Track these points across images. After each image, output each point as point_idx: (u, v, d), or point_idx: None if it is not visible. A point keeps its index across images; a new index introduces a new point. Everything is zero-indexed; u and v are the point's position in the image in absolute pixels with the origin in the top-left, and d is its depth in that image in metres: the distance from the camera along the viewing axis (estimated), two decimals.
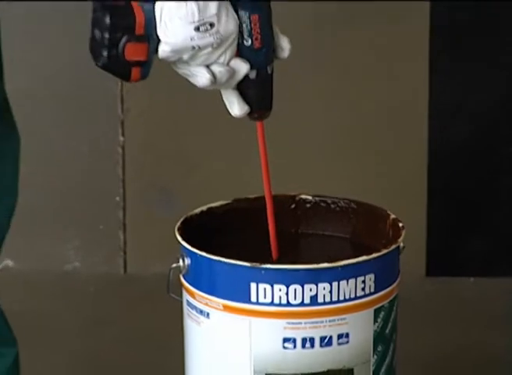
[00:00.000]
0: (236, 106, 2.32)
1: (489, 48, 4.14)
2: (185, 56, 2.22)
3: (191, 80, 2.27)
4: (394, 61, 4.06)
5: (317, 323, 2.27)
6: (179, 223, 2.39)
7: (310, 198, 2.51)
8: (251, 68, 2.28)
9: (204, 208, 2.48)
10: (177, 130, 3.23)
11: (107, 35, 2.19)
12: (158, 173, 3.53)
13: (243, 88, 2.32)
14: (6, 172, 2.57)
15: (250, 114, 2.33)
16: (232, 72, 2.26)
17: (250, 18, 2.27)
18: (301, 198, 2.52)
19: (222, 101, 2.36)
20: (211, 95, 2.45)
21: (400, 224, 2.40)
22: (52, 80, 3.39)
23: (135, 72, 2.23)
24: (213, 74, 2.24)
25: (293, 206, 2.50)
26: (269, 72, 2.32)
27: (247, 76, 2.29)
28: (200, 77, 2.25)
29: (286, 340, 2.27)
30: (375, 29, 4.08)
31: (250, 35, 2.27)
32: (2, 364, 2.61)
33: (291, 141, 3.59)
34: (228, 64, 2.26)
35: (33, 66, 3.03)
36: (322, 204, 2.51)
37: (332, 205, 2.50)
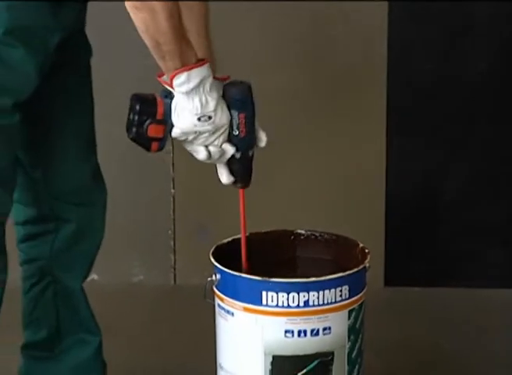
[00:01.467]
0: (224, 177, 2.39)
1: None
2: (190, 137, 2.30)
3: (194, 154, 2.36)
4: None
5: (308, 319, 2.37)
6: (212, 249, 2.47)
7: (303, 232, 2.57)
8: (237, 151, 2.35)
9: (230, 239, 2.55)
10: (211, 183, 3.29)
11: (136, 117, 2.29)
12: (198, 214, 3.46)
13: (231, 164, 2.39)
14: (97, 217, 2.62)
15: (234, 183, 2.41)
16: (223, 152, 2.34)
17: (238, 116, 2.32)
18: (298, 232, 2.58)
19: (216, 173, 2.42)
20: None
21: (366, 250, 2.47)
22: (119, 141, 3.31)
23: (154, 145, 2.32)
24: (209, 152, 2.33)
25: (291, 237, 2.56)
26: (250, 155, 2.38)
27: (233, 156, 2.37)
28: (200, 154, 2.33)
29: (286, 331, 2.35)
30: None
31: (238, 128, 2.33)
32: (89, 349, 2.62)
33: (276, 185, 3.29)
34: (220, 146, 2.33)
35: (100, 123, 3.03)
36: (312, 236, 2.58)
37: (319, 237, 2.58)
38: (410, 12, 3.53)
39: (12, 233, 2.50)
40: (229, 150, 2.33)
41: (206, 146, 2.32)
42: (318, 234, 2.57)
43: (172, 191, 3.31)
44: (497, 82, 3.55)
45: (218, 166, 2.38)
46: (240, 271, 2.43)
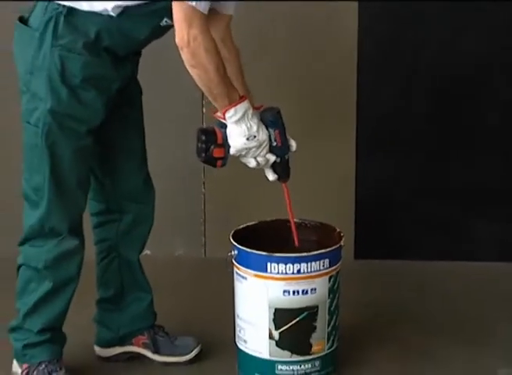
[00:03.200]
0: (270, 176, 2.39)
1: None
2: (243, 153, 2.31)
3: (247, 164, 2.34)
4: None
5: (300, 283, 2.39)
6: (232, 233, 2.48)
7: (298, 220, 2.54)
8: (277, 157, 2.35)
9: (244, 225, 2.55)
10: (231, 187, 3.09)
11: (204, 145, 2.30)
12: (222, 208, 3.26)
13: (274, 167, 2.38)
14: (148, 210, 2.56)
15: (278, 179, 2.40)
16: (267, 160, 2.34)
17: (274, 132, 2.33)
18: (295, 222, 2.53)
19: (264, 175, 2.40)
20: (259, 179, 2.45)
21: (342, 234, 2.49)
22: (167, 155, 3.03)
23: (219, 163, 2.34)
24: (257, 162, 2.33)
25: (288, 224, 2.52)
26: (286, 158, 2.39)
27: (275, 161, 2.36)
28: (251, 163, 2.33)
29: (284, 291, 2.38)
30: None
31: (275, 140, 2.33)
32: (143, 303, 2.59)
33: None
34: (265, 156, 2.33)
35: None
36: (303, 224, 2.57)
37: (308, 224, 2.59)
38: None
39: (88, 221, 2.52)
40: (272, 158, 2.34)
41: (255, 157, 2.31)
42: (307, 222, 2.58)
43: (203, 190, 3.23)
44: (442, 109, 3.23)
45: (265, 169, 2.38)
46: (252, 249, 2.41)
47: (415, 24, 3.12)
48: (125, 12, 2.23)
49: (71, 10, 2.21)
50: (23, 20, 2.29)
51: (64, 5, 2.21)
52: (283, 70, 3.11)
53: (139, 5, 2.22)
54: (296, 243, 2.47)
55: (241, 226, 2.52)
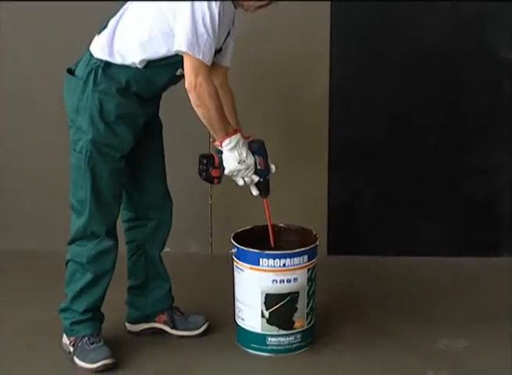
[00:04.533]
0: (254, 191, 2.39)
1: None
2: (234, 174, 2.32)
3: (237, 182, 2.34)
4: None
5: (285, 274, 2.38)
6: (232, 235, 2.47)
7: (283, 225, 2.55)
8: (260, 177, 2.35)
9: (242, 229, 2.53)
10: (233, 197, 2.89)
11: (204, 167, 2.31)
12: (226, 214, 3.14)
13: (257, 185, 2.38)
14: (167, 217, 2.50)
15: (260, 195, 2.39)
16: (252, 180, 2.35)
17: (258, 158, 2.34)
18: (280, 226, 2.55)
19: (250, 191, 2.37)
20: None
21: (317, 236, 2.47)
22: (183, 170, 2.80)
23: (215, 181, 2.35)
24: (245, 181, 2.34)
25: (277, 228, 2.53)
26: (267, 179, 2.36)
27: (258, 181, 2.36)
28: (240, 182, 2.34)
29: (273, 280, 2.38)
30: None
31: (259, 164, 2.33)
32: (163, 290, 2.55)
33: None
34: (250, 177, 2.34)
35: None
36: (287, 228, 2.57)
37: (291, 228, 2.57)
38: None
39: (121, 226, 2.50)
40: (255, 178, 2.34)
41: (243, 177, 2.32)
42: (290, 227, 2.58)
43: (210, 201, 3.16)
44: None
45: (250, 186, 2.37)
46: (248, 247, 2.38)
47: (374, 68, 3.04)
48: (148, 64, 2.26)
49: (107, 64, 2.25)
50: (70, 71, 2.32)
51: (102, 60, 2.25)
52: (270, 111, 3.04)
53: (159, 59, 2.25)
54: (272, 244, 2.43)
55: (240, 230, 2.51)
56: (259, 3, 2.24)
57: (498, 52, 2.91)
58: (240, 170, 2.29)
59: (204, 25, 2.11)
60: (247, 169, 2.30)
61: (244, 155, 2.28)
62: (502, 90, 2.96)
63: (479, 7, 2.87)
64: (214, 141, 2.30)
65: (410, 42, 2.92)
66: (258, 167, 2.32)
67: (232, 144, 2.25)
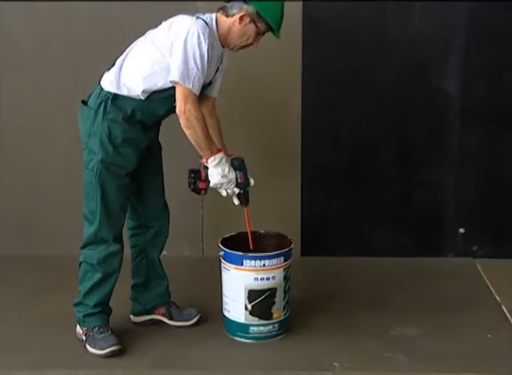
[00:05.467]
0: (235, 201, 2.38)
1: None
2: (218, 186, 2.33)
3: (221, 193, 2.33)
4: None
5: (265, 273, 2.38)
6: (220, 239, 2.46)
7: (263, 232, 2.54)
8: (240, 190, 2.35)
9: (228, 235, 2.51)
10: (222, 207, 2.79)
11: (192, 180, 2.32)
12: (215, 222, 3.06)
13: (238, 196, 2.36)
14: (165, 225, 2.47)
15: (240, 204, 2.36)
16: (234, 192, 2.35)
17: (239, 173, 2.34)
18: (260, 232, 2.54)
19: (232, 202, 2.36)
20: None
21: (292, 240, 2.46)
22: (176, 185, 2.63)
23: (202, 192, 2.35)
24: (227, 192, 2.34)
25: (258, 234, 2.51)
26: (247, 191, 2.35)
27: (239, 192, 2.36)
28: (223, 193, 2.35)
29: (255, 278, 2.38)
30: None
31: (240, 178, 2.33)
32: (162, 287, 2.53)
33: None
34: (232, 189, 2.34)
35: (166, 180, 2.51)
36: (266, 234, 2.55)
37: (270, 234, 2.55)
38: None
39: (126, 233, 2.49)
40: (236, 190, 2.34)
41: (226, 189, 2.32)
42: (269, 233, 2.56)
43: (201, 211, 3.11)
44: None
45: (232, 197, 2.37)
46: (233, 251, 2.37)
47: (340, 100, 3.01)
48: (150, 96, 2.29)
49: (115, 96, 2.28)
50: (84, 102, 2.35)
51: (111, 92, 2.28)
52: (251, 133, 3.00)
53: (159, 92, 2.28)
54: (251, 247, 2.42)
55: (226, 236, 2.51)
56: (242, 45, 2.27)
57: (441, 88, 2.95)
58: (223, 183, 2.29)
59: (195, 60, 2.14)
60: (229, 182, 2.29)
61: (227, 170, 2.28)
62: (445, 119, 3.00)
63: (428, 50, 2.91)
64: (201, 158, 2.30)
65: (369, 80, 2.95)
66: (239, 181, 2.31)
67: (216, 161, 2.25)
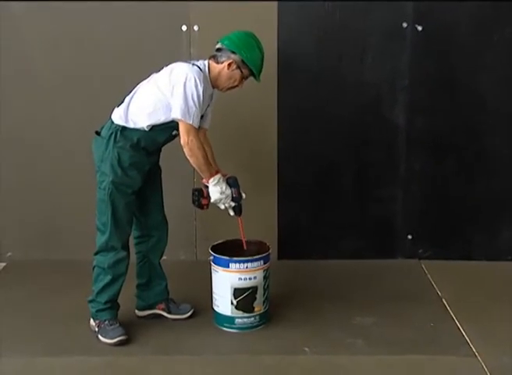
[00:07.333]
0: (231, 213, 2.39)
1: None
2: (217, 201, 2.34)
3: (219, 207, 2.32)
4: None
5: (247, 273, 2.37)
6: (210, 246, 2.44)
7: (248, 239, 2.49)
8: (235, 203, 2.36)
9: (217, 242, 2.48)
10: (213, 217, 2.71)
11: (196, 198, 2.33)
12: (205, 232, 2.99)
13: (233, 208, 2.35)
14: (165, 234, 2.43)
15: (235, 214, 2.35)
16: (230, 205, 2.36)
17: (234, 189, 2.35)
18: (246, 240, 2.48)
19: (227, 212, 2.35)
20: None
21: (270, 246, 2.45)
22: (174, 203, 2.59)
23: (204, 207, 2.36)
24: (225, 206, 2.35)
25: (241, 241, 2.47)
26: (240, 203, 2.34)
27: (234, 205, 2.36)
28: (221, 207, 2.35)
29: (239, 278, 2.38)
30: None
31: (234, 194, 2.34)
32: (161, 286, 2.50)
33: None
34: (229, 203, 2.35)
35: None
36: (250, 241, 2.50)
37: (252, 241, 2.51)
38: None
39: (131, 241, 2.46)
40: (232, 204, 2.34)
41: (223, 204, 2.32)
42: (252, 241, 2.52)
43: (195, 222, 3.05)
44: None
45: (228, 209, 2.37)
46: (221, 255, 2.35)
47: (309, 130, 2.98)
48: (153, 128, 2.30)
49: (124, 128, 2.30)
50: (97, 133, 2.36)
51: (120, 125, 2.30)
52: (238, 157, 2.96)
53: (160, 124, 2.30)
54: (245, 247, 2.41)
55: (216, 243, 2.49)
56: (229, 86, 2.30)
57: (391, 121, 2.99)
58: (221, 199, 2.31)
59: (193, 100, 2.17)
60: (226, 197, 2.32)
61: (224, 188, 2.30)
62: (394, 146, 3.03)
63: (379, 91, 2.96)
64: (202, 179, 2.33)
65: (332, 113, 2.99)
66: (234, 195, 2.32)
67: (216, 181, 2.28)
